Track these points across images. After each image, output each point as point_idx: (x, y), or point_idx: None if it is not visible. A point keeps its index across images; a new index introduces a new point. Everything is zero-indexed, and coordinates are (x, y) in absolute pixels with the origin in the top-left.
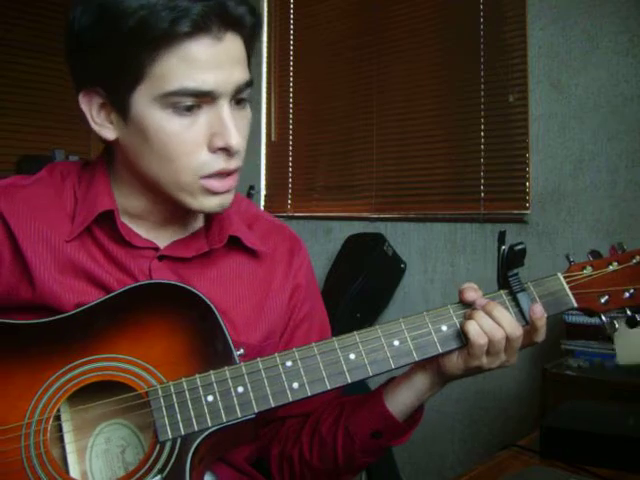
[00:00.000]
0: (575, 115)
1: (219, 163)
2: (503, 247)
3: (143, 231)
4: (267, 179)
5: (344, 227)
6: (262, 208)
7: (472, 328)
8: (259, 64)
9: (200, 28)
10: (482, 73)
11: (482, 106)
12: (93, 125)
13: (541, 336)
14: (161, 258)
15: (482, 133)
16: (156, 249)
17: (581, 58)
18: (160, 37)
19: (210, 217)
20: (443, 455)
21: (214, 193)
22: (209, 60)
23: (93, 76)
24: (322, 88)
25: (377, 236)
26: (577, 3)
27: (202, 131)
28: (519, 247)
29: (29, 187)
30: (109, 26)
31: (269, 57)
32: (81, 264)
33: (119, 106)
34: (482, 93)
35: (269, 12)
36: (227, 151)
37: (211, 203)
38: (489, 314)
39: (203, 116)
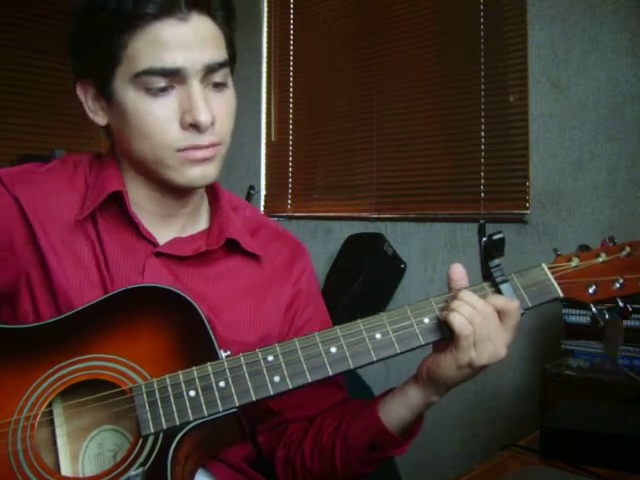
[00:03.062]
0: (575, 115)
1: (191, 139)
2: (483, 239)
3: (147, 223)
4: (267, 179)
5: (344, 227)
6: (262, 208)
7: (456, 320)
8: (259, 64)
9: (164, 10)
10: (482, 73)
11: (482, 106)
12: (88, 112)
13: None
14: (158, 255)
15: (482, 133)
16: (155, 245)
17: (581, 58)
18: (128, 22)
19: (212, 219)
20: (443, 455)
21: (193, 163)
22: (175, 40)
23: (83, 68)
24: (322, 88)
25: (377, 236)
26: (577, 3)
27: (173, 109)
28: (497, 236)
29: (44, 174)
30: (88, 21)
31: (269, 57)
32: (79, 256)
33: (105, 92)
34: (482, 93)
35: (269, 12)
36: (197, 127)
37: (193, 173)
38: (465, 302)
39: (174, 95)
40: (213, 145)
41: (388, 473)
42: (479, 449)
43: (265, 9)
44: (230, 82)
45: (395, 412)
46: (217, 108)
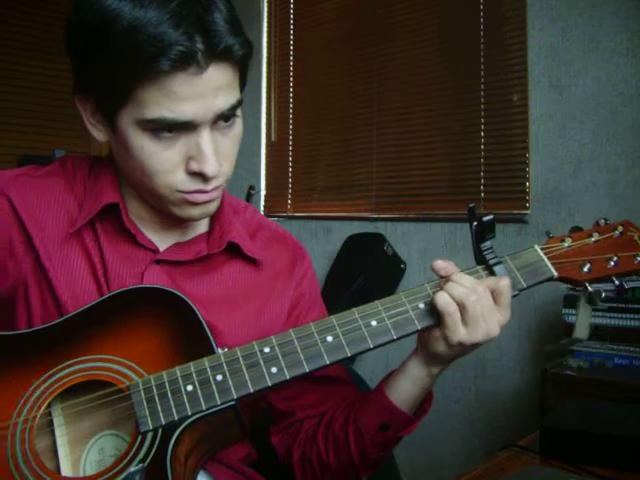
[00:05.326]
0: (575, 115)
1: (195, 184)
2: (474, 223)
3: (147, 232)
4: (267, 179)
5: (344, 227)
6: (262, 208)
7: (440, 298)
8: (259, 64)
9: (178, 66)
10: (482, 73)
11: (482, 106)
12: (87, 124)
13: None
14: (158, 262)
15: (482, 133)
16: (155, 251)
17: (581, 58)
18: (140, 69)
19: (213, 222)
20: (443, 455)
21: (194, 204)
22: (188, 92)
23: (86, 86)
24: (322, 88)
25: (377, 236)
26: (577, 3)
27: (180, 153)
28: (487, 218)
29: (41, 178)
30: (100, 45)
31: (269, 57)
32: (76, 264)
33: (107, 118)
34: (482, 93)
35: (269, 12)
36: (204, 176)
37: (192, 212)
38: (456, 282)
39: (183, 139)
40: (217, 188)
41: (389, 473)
42: (479, 449)
43: (265, 9)
44: (239, 110)
45: (401, 388)
46: (224, 147)
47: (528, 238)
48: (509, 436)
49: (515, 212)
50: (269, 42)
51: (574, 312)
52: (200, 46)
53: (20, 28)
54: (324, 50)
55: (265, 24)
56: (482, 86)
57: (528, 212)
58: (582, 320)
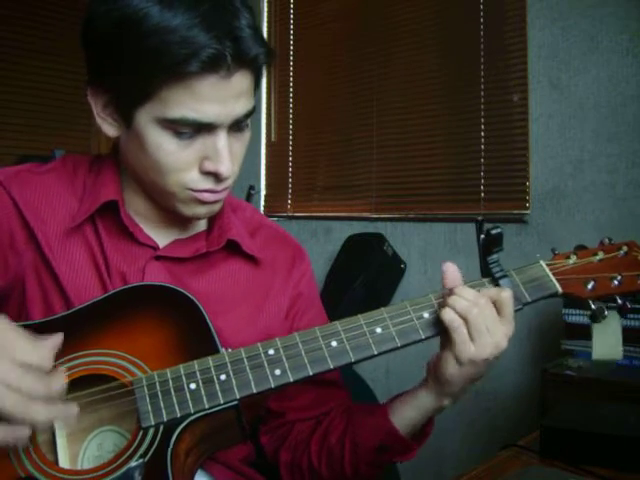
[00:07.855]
0: (575, 115)
1: (208, 183)
2: (482, 236)
3: (146, 228)
4: (267, 179)
5: (344, 227)
6: (262, 208)
7: (445, 315)
8: None
9: (208, 69)
10: (482, 73)
11: (482, 106)
12: (97, 119)
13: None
14: (158, 258)
15: (482, 133)
16: (155, 248)
17: (581, 58)
18: (169, 69)
19: (212, 220)
20: (443, 455)
21: (203, 203)
22: (214, 95)
23: (103, 79)
24: (322, 88)
25: (377, 236)
26: (577, 3)
27: (196, 153)
28: (495, 231)
29: (42, 175)
30: (126, 42)
31: None
32: (78, 258)
33: (122, 113)
34: (482, 93)
35: (269, 12)
36: (217, 176)
37: (199, 210)
38: (459, 295)
39: (200, 140)
40: (226, 189)
41: (388, 473)
42: (479, 449)
43: (265, 9)
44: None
45: (407, 416)
46: (235, 151)
47: (528, 238)
48: (509, 436)
49: (515, 212)
50: (269, 42)
51: (574, 312)
52: (230, 51)
53: (20, 28)
54: (324, 50)
55: (265, 24)
56: (482, 86)
57: (528, 212)
58: (600, 339)
